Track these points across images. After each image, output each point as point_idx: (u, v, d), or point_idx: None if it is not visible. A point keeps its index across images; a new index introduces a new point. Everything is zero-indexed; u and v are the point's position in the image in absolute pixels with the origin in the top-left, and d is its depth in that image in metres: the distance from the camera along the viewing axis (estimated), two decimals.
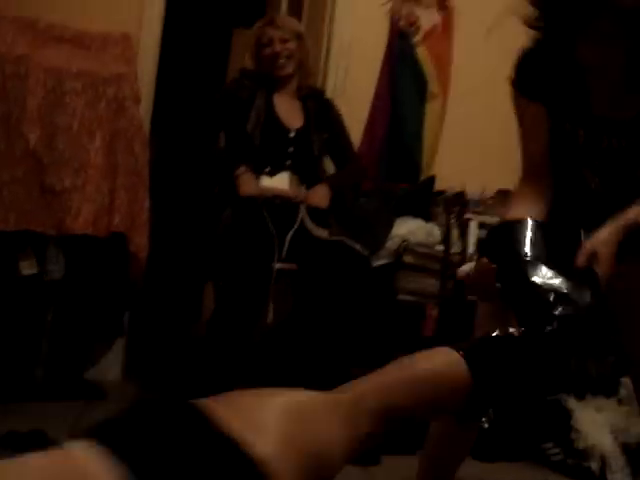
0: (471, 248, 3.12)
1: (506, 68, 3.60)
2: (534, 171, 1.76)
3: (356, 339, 2.87)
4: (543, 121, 1.69)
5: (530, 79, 1.72)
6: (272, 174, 2.73)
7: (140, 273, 3.00)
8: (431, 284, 3.05)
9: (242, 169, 2.66)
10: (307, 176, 2.81)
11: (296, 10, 3.72)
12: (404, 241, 3.00)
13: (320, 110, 2.92)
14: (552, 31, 1.59)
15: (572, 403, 3.03)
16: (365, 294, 2.89)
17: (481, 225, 3.18)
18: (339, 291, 2.63)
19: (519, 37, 3.66)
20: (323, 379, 2.49)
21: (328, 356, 2.56)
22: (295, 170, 2.77)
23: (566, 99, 1.63)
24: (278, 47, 2.80)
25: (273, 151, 2.77)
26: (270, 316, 2.51)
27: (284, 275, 2.62)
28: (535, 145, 1.75)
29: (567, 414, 3.00)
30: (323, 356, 2.56)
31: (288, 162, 2.76)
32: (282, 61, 2.81)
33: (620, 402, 2.87)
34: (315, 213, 2.75)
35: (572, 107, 1.63)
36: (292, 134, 2.80)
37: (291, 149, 2.77)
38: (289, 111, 2.85)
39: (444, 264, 3.05)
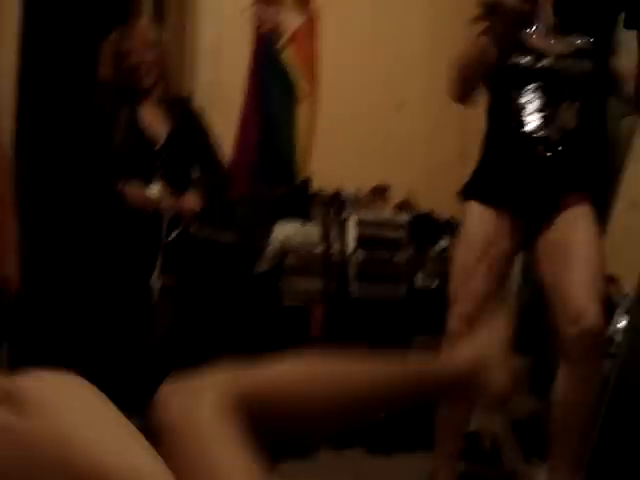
0: (351, 245, 3.17)
1: (373, 65, 3.72)
2: None
3: (242, 347, 2.86)
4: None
5: None
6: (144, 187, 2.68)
7: (12, 304, 2.86)
8: (314, 285, 3.08)
9: (124, 183, 2.60)
10: (178, 186, 2.76)
11: (160, 16, 3.65)
12: (284, 245, 3.01)
13: (186, 118, 2.85)
14: None
15: None
16: (248, 302, 2.90)
17: (359, 222, 3.23)
18: (221, 299, 2.63)
19: (383, 33, 3.77)
20: None
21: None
22: (166, 181, 2.70)
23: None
24: (137, 58, 2.73)
25: (142, 164, 2.70)
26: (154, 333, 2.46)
27: (166, 288, 2.57)
28: None
29: None
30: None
31: (158, 174, 2.70)
32: (143, 72, 2.75)
33: None
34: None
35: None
36: (159, 146, 2.73)
37: (159, 162, 2.71)
38: (154, 122, 2.78)
39: (325, 264, 3.09)
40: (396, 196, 3.64)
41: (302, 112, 3.60)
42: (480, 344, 1.29)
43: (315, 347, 3.04)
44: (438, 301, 3.28)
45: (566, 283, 1.90)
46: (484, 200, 2.06)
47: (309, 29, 3.66)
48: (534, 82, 2.02)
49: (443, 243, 3.40)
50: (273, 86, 3.53)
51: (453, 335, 2.05)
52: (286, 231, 3.05)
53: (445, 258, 3.34)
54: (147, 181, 2.68)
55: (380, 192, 3.63)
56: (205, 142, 2.90)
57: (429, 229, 3.32)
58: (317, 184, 3.43)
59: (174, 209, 2.68)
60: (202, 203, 2.74)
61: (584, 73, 2.02)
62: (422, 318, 3.26)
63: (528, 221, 2.04)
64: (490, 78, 2.09)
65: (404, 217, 3.47)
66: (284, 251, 3.01)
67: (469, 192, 2.13)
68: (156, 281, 2.52)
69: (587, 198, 1.99)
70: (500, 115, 2.09)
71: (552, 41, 2.05)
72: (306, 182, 3.42)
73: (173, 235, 2.63)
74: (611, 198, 2.46)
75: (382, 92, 3.76)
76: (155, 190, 2.66)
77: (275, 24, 3.59)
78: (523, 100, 2.02)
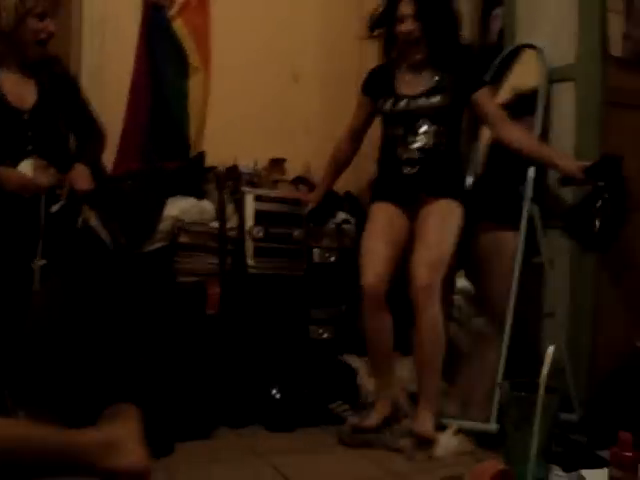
0: (249, 221, 3.11)
1: (267, 37, 3.64)
2: (351, 135, 3.13)
3: (139, 328, 2.78)
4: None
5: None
6: (14, 164, 2.42)
7: None
8: (210, 262, 3.01)
9: None
10: (55, 159, 2.53)
11: None
12: (178, 221, 2.93)
13: (55, 81, 2.61)
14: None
15: (356, 361, 3.14)
16: (141, 280, 2.80)
17: (257, 197, 3.17)
18: (111, 279, 2.52)
19: (276, 3, 3.70)
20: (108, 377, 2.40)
21: (109, 353, 2.43)
22: (40, 154, 2.48)
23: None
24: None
25: (9, 138, 2.46)
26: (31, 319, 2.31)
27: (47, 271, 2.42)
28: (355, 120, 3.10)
29: (353, 373, 3.11)
30: (103, 354, 2.42)
31: (29, 147, 2.48)
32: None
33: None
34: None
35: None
36: (26, 115, 2.49)
37: (30, 132, 2.48)
38: (18, 88, 2.52)
39: (221, 240, 3.02)
40: (293, 170, 3.61)
41: (194, 84, 3.49)
42: (113, 430, 1.58)
43: (211, 324, 2.97)
44: (336, 275, 3.30)
45: (414, 254, 2.71)
46: (383, 199, 2.91)
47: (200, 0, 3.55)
48: (397, 121, 2.86)
49: (341, 216, 3.39)
50: (163, 57, 3.39)
51: (369, 288, 2.71)
52: (180, 207, 2.95)
53: (342, 231, 3.35)
54: (17, 157, 2.46)
55: (277, 165, 3.58)
56: (80, 105, 2.71)
57: (327, 203, 3.30)
58: (212, 158, 3.33)
59: (63, 189, 2.50)
60: (92, 180, 2.58)
61: (435, 107, 2.80)
62: (320, 292, 3.26)
63: (409, 210, 2.86)
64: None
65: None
66: (178, 228, 2.92)
67: (374, 197, 2.97)
68: (37, 264, 2.38)
69: (444, 196, 2.80)
70: (384, 146, 2.95)
71: (414, 81, 2.86)
72: (200, 156, 3.31)
73: (54, 209, 2.46)
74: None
75: (277, 64, 3.69)
76: (27, 167, 2.44)
77: None
78: (395, 133, 2.86)
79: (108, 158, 3.03)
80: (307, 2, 3.83)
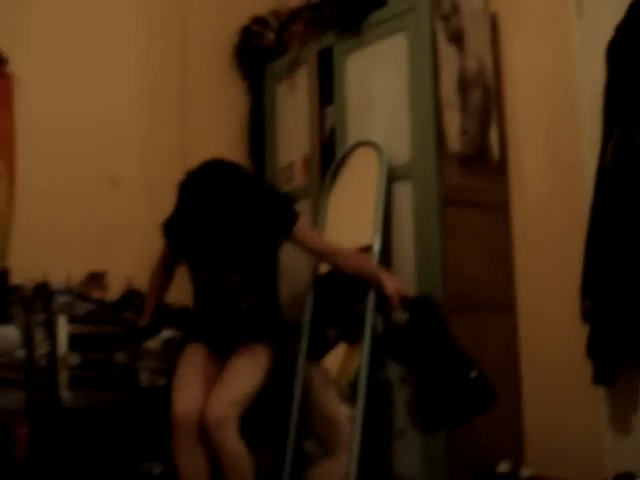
0: (62, 347, 2.72)
1: (82, 138, 3.33)
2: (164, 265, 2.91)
3: None
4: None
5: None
6: None
7: None
8: (16, 398, 2.58)
9: None
10: None
11: None
12: None
13: None
14: None
15: None
16: None
17: (72, 319, 2.80)
18: None
19: (90, 103, 3.42)
20: None
21: None
22: None
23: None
24: None
25: None
26: None
27: None
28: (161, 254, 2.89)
29: None
30: None
31: None
32: None
33: None
34: None
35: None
36: None
37: None
38: None
39: (29, 372, 2.61)
40: (115, 283, 3.26)
41: None
42: None
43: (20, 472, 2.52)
44: (167, 400, 2.94)
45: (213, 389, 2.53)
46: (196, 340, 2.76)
47: (3, 97, 3.19)
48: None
49: (167, 333, 3.07)
50: None
51: (178, 415, 2.47)
52: None
53: (170, 350, 3.03)
54: None
55: (96, 280, 3.22)
56: None
57: (157, 320, 2.99)
58: (18, 275, 2.93)
59: None
60: None
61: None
62: (150, 421, 2.89)
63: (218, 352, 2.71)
64: None
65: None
66: None
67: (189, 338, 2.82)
68: None
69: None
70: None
71: None
72: (3, 274, 2.90)
73: None
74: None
75: (93, 166, 3.38)
76: None
77: None
78: None
79: None
80: (127, 99, 3.59)
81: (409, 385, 2.70)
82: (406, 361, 2.61)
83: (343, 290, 2.84)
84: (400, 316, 2.56)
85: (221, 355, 2.67)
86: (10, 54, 3.22)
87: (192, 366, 2.63)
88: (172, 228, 2.76)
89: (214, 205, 2.55)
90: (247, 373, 2.57)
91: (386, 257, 2.80)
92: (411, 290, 2.64)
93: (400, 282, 2.65)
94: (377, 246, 2.74)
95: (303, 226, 2.69)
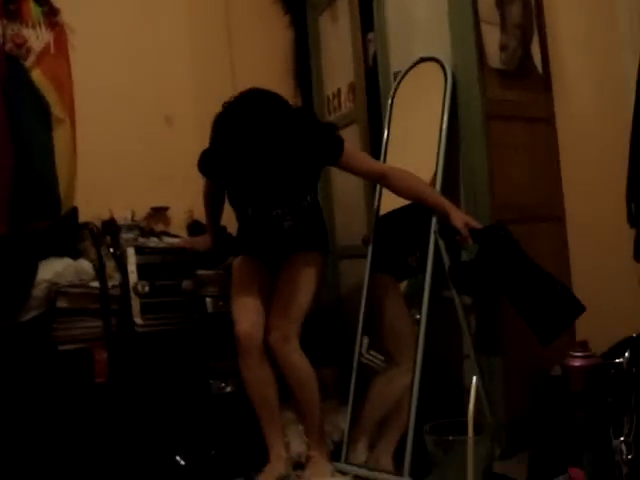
0: (132, 277, 2.89)
1: (133, 83, 3.46)
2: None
3: (18, 405, 2.52)
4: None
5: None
6: None
7: None
8: (94, 325, 2.77)
9: None
10: None
11: None
12: (53, 285, 2.68)
13: None
14: None
15: None
16: (18, 354, 2.54)
17: (138, 250, 2.96)
18: None
19: (141, 47, 3.53)
20: None
21: None
22: None
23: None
24: None
25: None
26: None
27: None
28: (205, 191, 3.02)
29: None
30: None
31: None
32: None
33: None
34: None
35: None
36: None
37: None
38: None
39: (104, 301, 2.78)
40: (177, 218, 3.42)
41: (60, 136, 3.25)
42: None
43: (101, 394, 2.71)
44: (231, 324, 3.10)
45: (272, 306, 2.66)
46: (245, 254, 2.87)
47: (58, 47, 3.32)
48: None
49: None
50: (24, 110, 3.14)
51: (243, 336, 2.60)
52: (54, 269, 2.70)
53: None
54: None
55: (159, 214, 3.39)
56: None
57: (220, 245, 3.12)
58: (86, 213, 3.10)
59: None
60: None
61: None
62: (217, 344, 3.06)
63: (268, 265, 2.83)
64: None
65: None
66: (54, 292, 2.67)
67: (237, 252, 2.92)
68: None
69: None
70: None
71: None
72: (72, 213, 3.07)
73: None
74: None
75: (147, 107, 3.52)
76: None
77: (19, 41, 3.22)
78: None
79: None
80: (176, 40, 3.69)
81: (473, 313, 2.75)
82: (474, 293, 2.63)
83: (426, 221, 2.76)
84: (470, 249, 2.53)
85: (271, 267, 2.78)
86: (61, 5, 3.36)
87: (247, 279, 2.73)
88: (210, 164, 2.72)
89: (254, 136, 2.36)
90: (303, 286, 2.67)
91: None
92: (479, 221, 2.56)
93: (465, 214, 2.60)
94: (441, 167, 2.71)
95: (349, 151, 2.64)
